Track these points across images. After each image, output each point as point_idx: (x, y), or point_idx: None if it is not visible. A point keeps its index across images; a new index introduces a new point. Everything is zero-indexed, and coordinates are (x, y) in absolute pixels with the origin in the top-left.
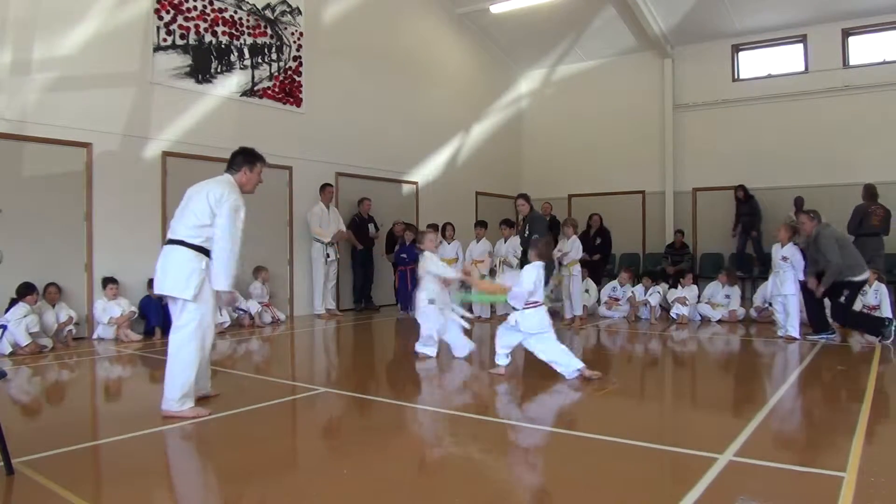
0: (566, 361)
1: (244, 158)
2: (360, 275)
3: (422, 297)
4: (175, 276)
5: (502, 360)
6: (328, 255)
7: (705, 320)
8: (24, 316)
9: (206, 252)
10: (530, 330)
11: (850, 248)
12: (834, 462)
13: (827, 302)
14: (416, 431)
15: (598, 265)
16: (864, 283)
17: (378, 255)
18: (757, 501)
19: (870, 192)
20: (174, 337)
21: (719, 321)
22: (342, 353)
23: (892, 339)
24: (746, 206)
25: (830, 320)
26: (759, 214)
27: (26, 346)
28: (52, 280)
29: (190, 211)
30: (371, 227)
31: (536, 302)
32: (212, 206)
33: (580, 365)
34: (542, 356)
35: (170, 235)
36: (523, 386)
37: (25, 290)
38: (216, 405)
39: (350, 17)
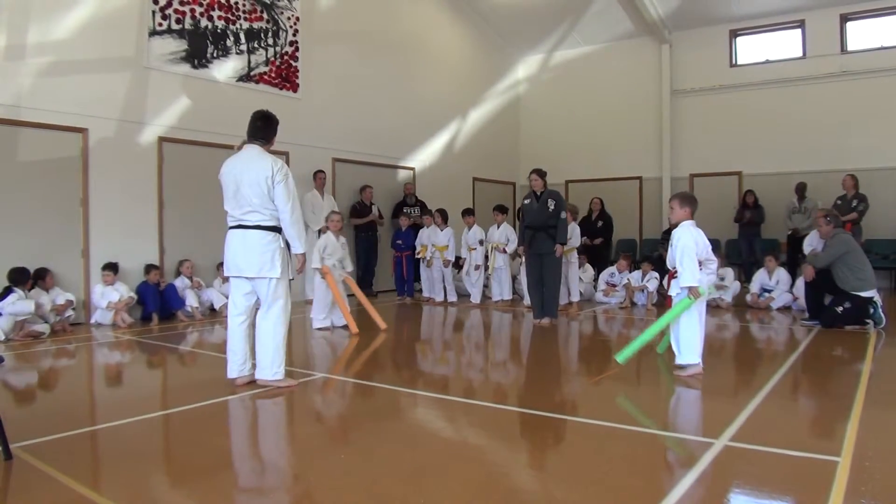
0: (687, 350)
1: (272, 128)
2: (363, 263)
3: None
4: (260, 258)
5: (694, 356)
6: None
7: None
8: (18, 301)
9: (279, 231)
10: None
11: (861, 260)
12: (829, 447)
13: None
14: (413, 417)
15: (601, 249)
16: (869, 300)
17: (380, 239)
18: (753, 486)
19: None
20: (269, 314)
21: (716, 306)
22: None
23: (883, 323)
24: (756, 212)
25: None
26: (763, 220)
27: (21, 332)
28: (49, 266)
29: (246, 197)
30: (376, 208)
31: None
32: (269, 184)
33: (696, 362)
34: (673, 333)
35: (236, 222)
36: (520, 372)
37: (19, 276)
38: (213, 391)
39: (347, 1)
